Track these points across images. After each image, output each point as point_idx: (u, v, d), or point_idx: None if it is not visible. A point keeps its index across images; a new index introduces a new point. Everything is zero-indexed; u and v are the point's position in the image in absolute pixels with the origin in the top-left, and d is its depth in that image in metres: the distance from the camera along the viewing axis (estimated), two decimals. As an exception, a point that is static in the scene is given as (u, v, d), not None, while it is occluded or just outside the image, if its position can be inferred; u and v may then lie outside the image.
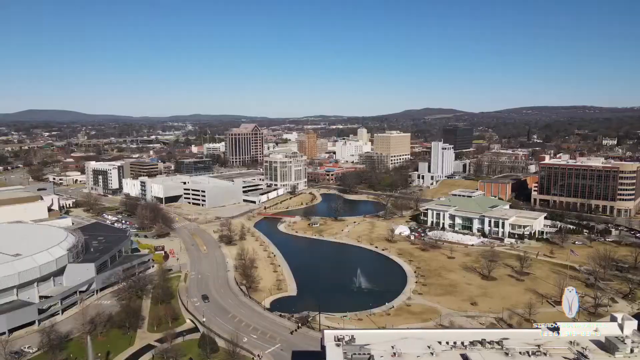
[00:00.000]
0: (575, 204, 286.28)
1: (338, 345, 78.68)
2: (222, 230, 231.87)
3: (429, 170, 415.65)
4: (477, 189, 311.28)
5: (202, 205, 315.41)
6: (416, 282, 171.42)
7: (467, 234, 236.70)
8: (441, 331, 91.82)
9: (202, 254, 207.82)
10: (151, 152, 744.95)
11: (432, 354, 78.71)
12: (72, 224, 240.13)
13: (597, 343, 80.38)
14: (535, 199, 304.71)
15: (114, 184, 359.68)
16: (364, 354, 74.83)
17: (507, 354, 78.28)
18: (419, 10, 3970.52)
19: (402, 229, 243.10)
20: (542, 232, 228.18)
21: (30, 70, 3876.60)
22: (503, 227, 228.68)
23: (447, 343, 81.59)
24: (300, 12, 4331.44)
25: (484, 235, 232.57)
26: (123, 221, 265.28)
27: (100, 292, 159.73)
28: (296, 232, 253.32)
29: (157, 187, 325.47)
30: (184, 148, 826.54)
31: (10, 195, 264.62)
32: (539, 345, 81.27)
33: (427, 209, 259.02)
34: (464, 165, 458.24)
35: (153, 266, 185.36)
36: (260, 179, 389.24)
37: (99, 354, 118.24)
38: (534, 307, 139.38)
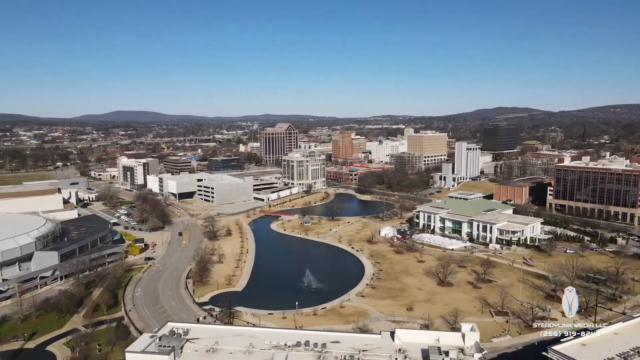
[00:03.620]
0: (592, 210, 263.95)
1: (152, 337, 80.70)
2: (206, 227, 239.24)
3: (453, 172, 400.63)
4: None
5: (212, 201, 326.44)
6: (367, 285, 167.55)
7: (455, 237, 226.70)
8: (287, 331, 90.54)
9: (180, 248, 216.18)
10: (199, 151, 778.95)
11: (247, 352, 78.85)
12: (78, 215, 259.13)
13: (425, 352, 76.15)
14: (550, 204, 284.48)
15: (139, 180, 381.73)
16: (169, 346, 76.13)
17: (319, 357, 76.68)
18: (489, 2, 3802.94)
19: (388, 231, 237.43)
20: (534, 239, 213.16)
21: (117, 74, 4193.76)
22: (491, 231, 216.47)
23: (270, 342, 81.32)
24: (367, 10, 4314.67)
25: (471, 239, 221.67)
26: (129, 214, 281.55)
27: (66, 279, 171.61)
28: (284, 230, 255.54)
29: (172, 184, 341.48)
30: (233, 147, 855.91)
31: (33, 188, 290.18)
32: (360, 351, 78.74)
33: (419, 211, 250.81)
34: (495, 167, 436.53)
35: (126, 257, 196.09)
36: (276, 177, 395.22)
37: (25, 334, 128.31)
38: (461, 314, 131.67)
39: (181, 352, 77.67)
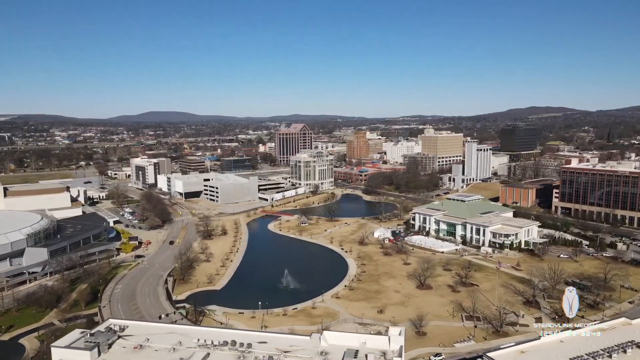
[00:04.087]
0: (599, 213, 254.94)
1: (82, 332, 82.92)
2: (199, 226, 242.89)
3: (464, 173, 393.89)
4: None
5: (216, 201, 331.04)
6: (345, 286, 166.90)
7: (449, 240, 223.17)
8: (220, 331, 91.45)
9: (172, 247, 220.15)
10: (219, 150, 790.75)
11: (172, 349, 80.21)
12: (82, 212, 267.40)
13: (349, 353, 75.85)
14: (556, 207, 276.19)
15: (150, 179, 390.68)
16: (94, 342, 78.15)
17: (239, 357, 77.37)
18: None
19: (382, 232, 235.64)
20: (528, 242, 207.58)
21: (150, 76, 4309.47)
22: (484, 234, 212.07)
23: (198, 341, 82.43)
24: (398, 9, 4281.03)
25: (464, 242, 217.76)
26: (133, 212, 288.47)
27: (56, 275, 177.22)
28: (280, 230, 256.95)
29: (179, 183, 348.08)
30: (253, 147, 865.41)
31: (44, 187, 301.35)
32: (282, 352, 79.00)
33: (415, 213, 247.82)
34: (509, 168, 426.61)
35: (118, 254, 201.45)
36: (284, 178, 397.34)
37: (2, 327, 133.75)
38: (430, 318, 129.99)
39: (109, 348, 79.46)
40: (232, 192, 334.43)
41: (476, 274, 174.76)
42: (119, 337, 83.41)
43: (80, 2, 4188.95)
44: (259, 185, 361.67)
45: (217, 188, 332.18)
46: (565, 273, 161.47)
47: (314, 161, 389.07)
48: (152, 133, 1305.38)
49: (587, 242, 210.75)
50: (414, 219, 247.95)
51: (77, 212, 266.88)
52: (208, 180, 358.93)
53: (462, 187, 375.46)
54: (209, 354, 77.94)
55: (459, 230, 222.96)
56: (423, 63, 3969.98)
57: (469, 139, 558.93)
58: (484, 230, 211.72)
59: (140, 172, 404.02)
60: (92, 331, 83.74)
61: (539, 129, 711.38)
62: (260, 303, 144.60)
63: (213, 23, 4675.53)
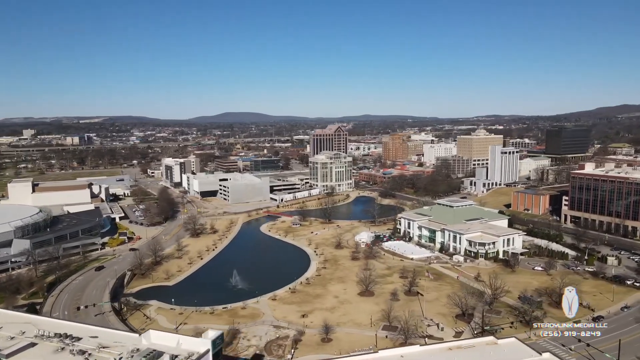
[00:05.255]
0: (609, 224, 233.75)
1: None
2: (187, 225, 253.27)
3: (487, 177, 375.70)
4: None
5: (228, 200, 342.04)
6: (289, 288, 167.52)
7: (428, 247, 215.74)
8: (69, 324, 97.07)
9: (159, 242, 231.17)
10: (265, 151, 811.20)
11: (9, 338, 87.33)
12: (94, 207, 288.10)
13: (155, 354, 78.78)
14: (565, 215, 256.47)
15: (176, 178, 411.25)
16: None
17: (58, 349, 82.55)
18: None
19: (363, 236, 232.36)
20: (506, 252, 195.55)
21: (228, 77, 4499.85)
22: (460, 242, 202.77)
23: (38, 332, 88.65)
24: (476, 9, 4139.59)
25: (442, 249, 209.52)
26: (147, 209, 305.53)
27: (40, 264, 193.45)
28: (269, 231, 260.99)
29: (195, 182, 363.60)
30: (302, 147, 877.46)
31: (67, 184, 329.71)
32: (99, 347, 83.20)
33: (400, 218, 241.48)
34: (542, 173, 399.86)
35: (103, 248, 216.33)
36: (300, 179, 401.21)
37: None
38: (345, 325, 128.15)
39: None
40: (242, 192, 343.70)
41: (430, 283, 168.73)
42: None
43: (165, 8, 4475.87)
44: (274, 186, 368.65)
45: (227, 188, 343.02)
46: (527, 286, 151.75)
47: (331, 162, 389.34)
48: (219, 133, 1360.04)
49: (574, 255, 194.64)
50: (400, 224, 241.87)
51: (90, 206, 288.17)
52: (225, 180, 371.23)
53: (483, 191, 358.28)
54: (33, 343, 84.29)
55: (439, 237, 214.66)
56: (503, 60, 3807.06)
57: (509, 139, 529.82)
58: (460, 238, 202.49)
59: (168, 171, 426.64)
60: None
61: (589, 129, 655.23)
62: (196, 301, 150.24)
63: (290, 24, 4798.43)
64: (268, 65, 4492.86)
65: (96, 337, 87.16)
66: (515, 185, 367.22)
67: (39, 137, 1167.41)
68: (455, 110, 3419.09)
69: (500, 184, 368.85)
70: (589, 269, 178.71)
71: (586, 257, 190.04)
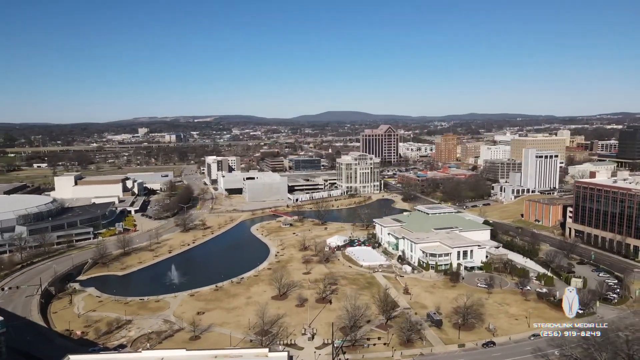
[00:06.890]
0: (612, 240, 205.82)
1: None
2: (176, 221, 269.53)
3: (521, 183, 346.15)
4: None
5: (246, 198, 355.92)
6: (216, 287, 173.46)
7: (390, 254, 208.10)
8: None
9: (152, 235, 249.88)
10: (329, 150, 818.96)
11: None
12: (118, 200, 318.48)
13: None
14: (570, 229, 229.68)
15: (214, 175, 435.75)
16: None
17: None
18: None
19: (335, 240, 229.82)
20: (459, 265, 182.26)
21: (330, 77, 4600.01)
22: (414, 251, 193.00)
23: None
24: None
25: (401, 258, 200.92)
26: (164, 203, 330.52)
27: (35, 249, 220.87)
28: (257, 230, 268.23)
29: (222, 180, 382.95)
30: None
31: (104, 179, 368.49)
32: None
33: (375, 223, 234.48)
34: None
35: (95, 237, 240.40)
36: (324, 179, 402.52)
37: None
38: (221, 327, 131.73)
39: None
40: (259, 190, 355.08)
41: (354, 291, 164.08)
42: None
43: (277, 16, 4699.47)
44: (295, 186, 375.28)
45: (245, 186, 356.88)
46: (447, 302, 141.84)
47: (356, 164, 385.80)
48: (308, 131, 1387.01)
49: (538, 273, 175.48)
50: (374, 229, 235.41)
51: (115, 199, 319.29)
52: (251, 178, 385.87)
53: (511, 198, 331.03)
54: None
55: (400, 245, 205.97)
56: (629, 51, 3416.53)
57: (597, 142, 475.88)
58: (414, 247, 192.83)
59: (208, 169, 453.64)
60: None
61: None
62: (114, 291, 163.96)
63: (395, 21, 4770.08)
64: (371, 64, 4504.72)
65: None
66: (550, 193, 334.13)
67: (150, 134, 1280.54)
68: (576, 107, 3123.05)
69: (534, 191, 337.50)
70: (539, 291, 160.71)
71: (546, 277, 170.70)
